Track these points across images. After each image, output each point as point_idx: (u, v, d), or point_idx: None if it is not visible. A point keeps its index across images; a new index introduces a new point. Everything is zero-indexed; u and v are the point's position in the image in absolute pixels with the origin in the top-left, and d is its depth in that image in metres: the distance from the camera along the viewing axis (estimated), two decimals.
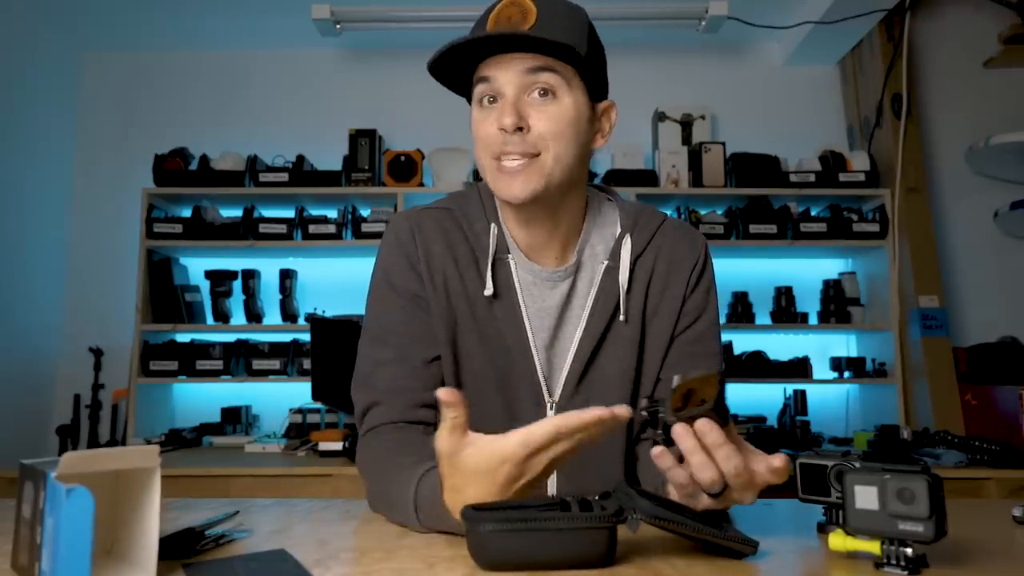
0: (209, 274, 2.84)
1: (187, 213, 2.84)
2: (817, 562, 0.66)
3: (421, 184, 2.81)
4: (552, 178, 0.87)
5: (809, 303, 2.84)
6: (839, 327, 2.80)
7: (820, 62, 3.12)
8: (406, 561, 0.64)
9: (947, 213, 3.00)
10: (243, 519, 0.81)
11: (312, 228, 2.76)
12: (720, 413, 0.65)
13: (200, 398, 2.91)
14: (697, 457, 0.66)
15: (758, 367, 2.71)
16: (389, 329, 0.94)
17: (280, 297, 2.83)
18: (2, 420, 2.67)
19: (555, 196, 0.90)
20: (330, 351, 2.45)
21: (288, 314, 2.82)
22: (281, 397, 2.82)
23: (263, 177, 2.79)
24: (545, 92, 0.86)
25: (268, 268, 2.90)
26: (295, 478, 2.15)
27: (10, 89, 2.79)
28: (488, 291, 0.93)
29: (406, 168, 2.81)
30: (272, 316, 2.88)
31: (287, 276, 2.85)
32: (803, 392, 2.68)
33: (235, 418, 2.74)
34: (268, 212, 2.91)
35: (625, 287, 0.95)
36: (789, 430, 2.64)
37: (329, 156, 2.91)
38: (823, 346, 2.92)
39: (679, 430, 0.66)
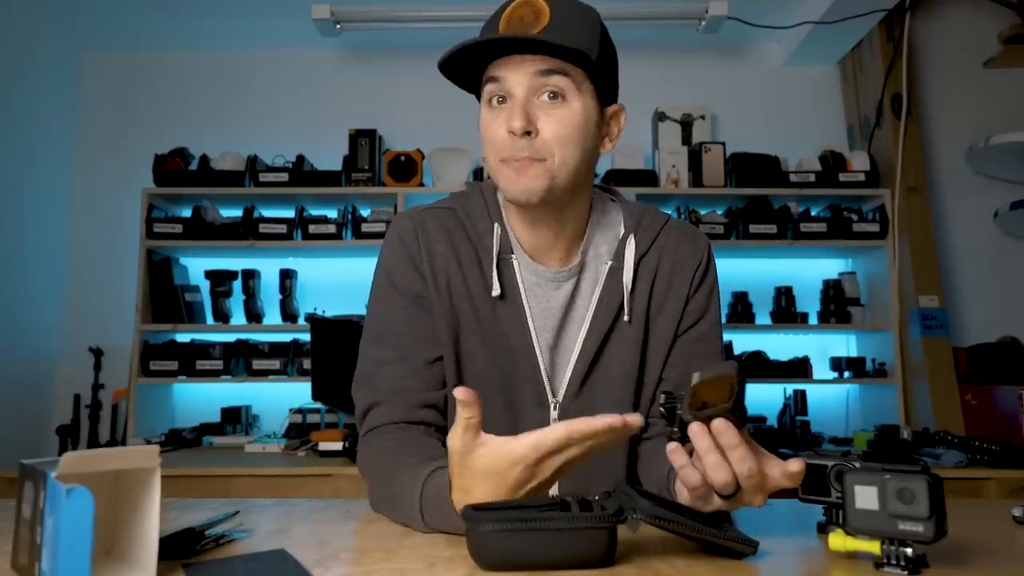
0: (209, 274, 2.84)
1: (187, 213, 2.84)
2: (817, 562, 0.66)
3: (421, 184, 2.81)
4: (557, 180, 0.87)
5: (809, 303, 2.84)
6: (839, 327, 2.80)
7: (820, 62, 3.12)
8: (406, 561, 0.64)
9: (947, 213, 3.00)
10: (243, 519, 0.81)
11: (312, 228, 2.76)
12: (738, 414, 0.65)
13: (200, 398, 2.91)
14: (712, 457, 0.66)
15: (758, 367, 2.71)
16: (391, 329, 0.94)
17: (280, 297, 2.83)
18: (2, 420, 2.67)
19: (561, 198, 0.90)
20: (330, 351, 2.45)
21: (288, 314, 2.82)
22: (281, 397, 2.82)
23: (263, 177, 2.79)
24: (555, 95, 0.86)
25: (268, 268, 2.90)
26: (295, 478, 2.15)
27: (10, 89, 2.79)
28: (495, 292, 0.93)
29: (406, 168, 2.81)
30: (272, 316, 2.88)
31: (287, 276, 2.85)
32: (803, 392, 2.68)
33: (235, 418, 2.74)
34: (268, 212, 2.91)
35: (629, 287, 0.95)
36: (789, 430, 2.64)
37: (329, 156, 2.91)
38: (823, 346, 2.92)
39: (695, 429, 0.66)
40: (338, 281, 2.97)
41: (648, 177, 2.82)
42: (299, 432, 2.68)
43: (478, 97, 0.93)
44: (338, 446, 2.30)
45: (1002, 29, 2.93)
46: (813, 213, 2.92)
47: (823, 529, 0.74)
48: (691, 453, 0.69)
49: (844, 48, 3.01)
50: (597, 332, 0.94)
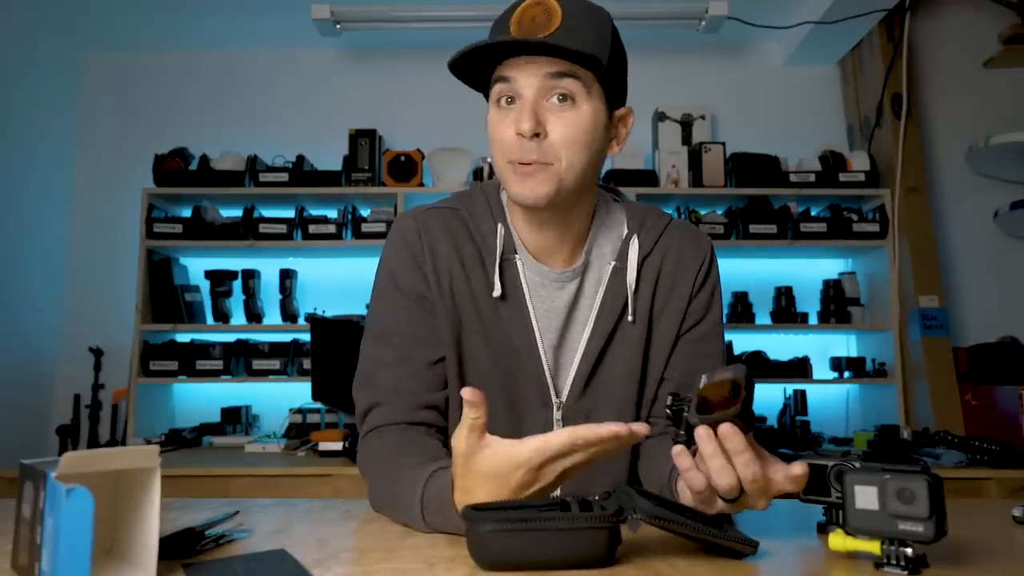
0: (209, 274, 2.84)
1: (187, 213, 2.84)
2: (817, 562, 0.66)
3: (421, 184, 2.81)
4: (565, 184, 0.87)
5: (809, 303, 2.84)
6: (839, 327, 2.80)
7: (820, 62, 3.12)
8: (406, 561, 0.64)
9: (947, 213, 3.00)
10: (243, 519, 0.81)
11: (312, 228, 2.76)
12: (745, 419, 0.65)
13: (200, 398, 2.91)
14: (717, 461, 0.66)
15: (758, 367, 2.71)
16: (393, 329, 0.94)
17: (280, 297, 2.83)
18: (2, 420, 2.67)
19: (567, 201, 0.90)
20: (330, 351, 2.45)
21: (288, 314, 2.82)
22: (281, 397, 2.82)
23: (263, 177, 2.79)
24: (564, 98, 0.85)
25: (268, 268, 2.90)
26: (295, 478, 2.15)
27: (10, 89, 2.79)
28: (496, 292, 0.93)
29: (406, 168, 2.81)
30: (272, 316, 2.88)
31: (287, 276, 2.85)
32: (803, 392, 2.68)
33: (235, 418, 2.74)
34: (268, 212, 2.91)
35: (633, 287, 0.95)
36: (789, 430, 2.64)
37: (329, 156, 2.91)
38: (823, 346, 2.92)
39: (702, 433, 0.66)
40: (338, 281, 2.97)
41: (648, 177, 2.82)
42: (299, 432, 2.68)
43: (485, 96, 0.93)
44: (338, 446, 2.30)
45: (1002, 29, 2.93)
46: (813, 213, 2.92)
47: (823, 529, 0.74)
48: (694, 454, 0.69)
49: (844, 48, 3.01)
50: (601, 332, 0.94)
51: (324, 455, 2.31)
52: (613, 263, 0.96)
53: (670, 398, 0.71)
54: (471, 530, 0.60)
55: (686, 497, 0.73)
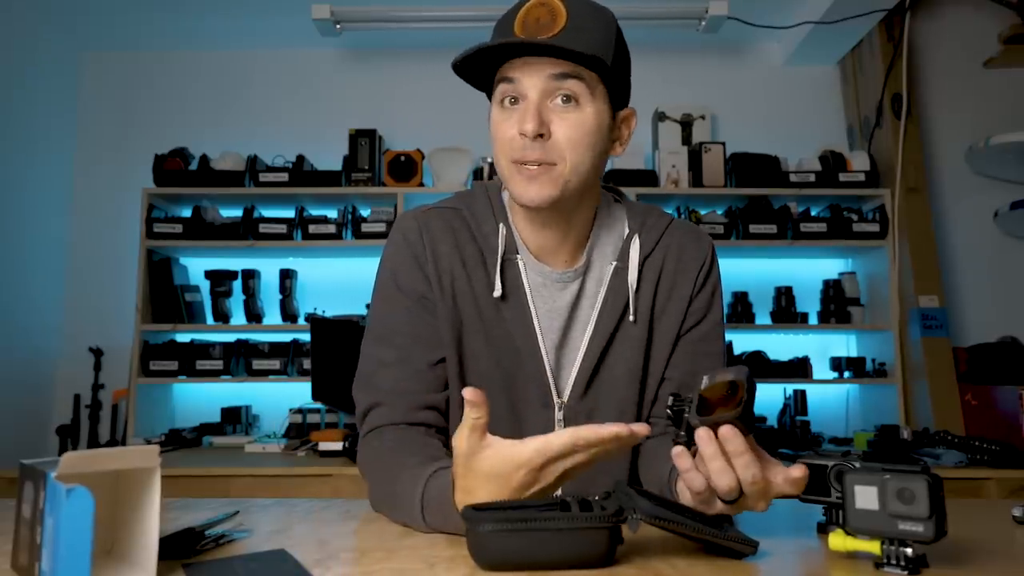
0: (209, 274, 2.84)
1: (187, 213, 2.84)
2: (817, 562, 0.66)
3: (421, 184, 2.81)
4: (568, 186, 0.87)
5: (809, 303, 2.84)
6: (839, 327, 2.80)
7: (820, 62, 3.12)
8: (406, 561, 0.64)
9: (947, 213, 3.00)
10: (243, 519, 0.81)
11: (312, 228, 2.76)
12: (746, 421, 0.65)
13: (200, 398, 2.91)
14: (717, 463, 0.66)
15: (758, 367, 2.71)
16: (394, 329, 0.94)
17: (280, 297, 2.83)
18: (2, 420, 2.67)
19: (570, 202, 0.90)
20: (330, 351, 2.45)
21: (288, 314, 2.82)
22: (281, 397, 2.82)
23: (263, 177, 2.79)
24: (568, 99, 0.85)
25: (268, 268, 2.90)
26: (295, 478, 2.15)
27: (10, 89, 2.79)
28: (497, 292, 0.93)
29: (406, 168, 2.81)
30: (272, 316, 2.88)
31: (287, 276, 2.85)
32: (803, 392, 2.68)
33: (235, 418, 2.74)
34: (268, 212, 2.91)
35: (634, 287, 0.95)
36: (789, 430, 2.64)
37: (329, 156, 2.91)
38: (823, 346, 2.92)
39: (702, 434, 0.66)
40: (338, 281, 2.97)
41: (648, 177, 2.82)
42: (299, 432, 2.68)
43: (488, 95, 0.92)
44: (338, 446, 2.30)
45: (1002, 29, 2.93)
46: (813, 213, 2.92)
47: (823, 529, 0.74)
48: (694, 454, 0.69)
49: (844, 48, 3.01)
50: (602, 332, 0.94)
51: (324, 455, 2.31)
52: (615, 263, 0.96)
53: (671, 398, 0.71)
54: (471, 530, 0.60)
55: (685, 498, 0.73)
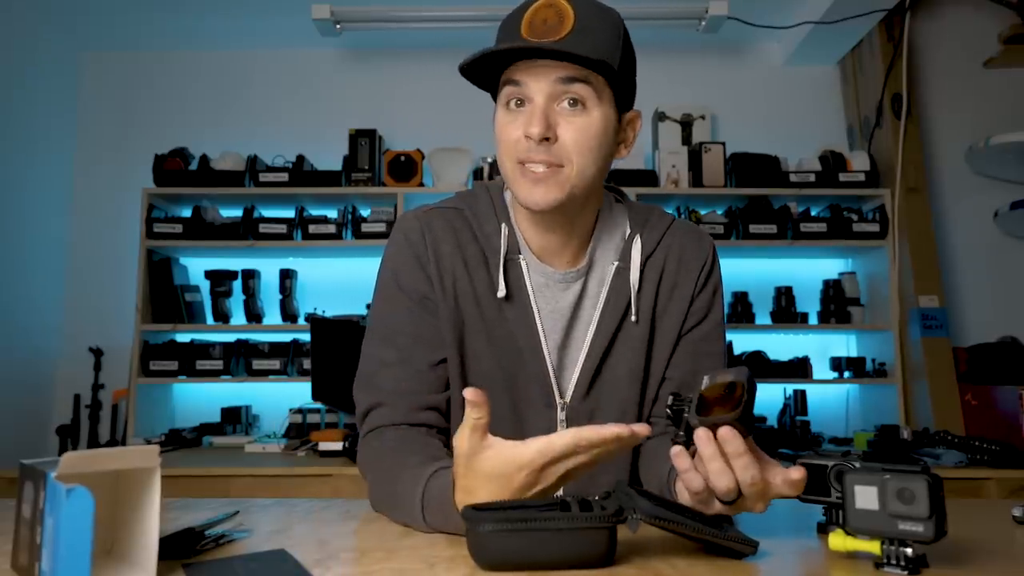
0: (209, 274, 2.84)
1: (187, 213, 2.84)
2: (817, 562, 0.66)
3: (421, 184, 2.81)
4: (575, 190, 0.87)
5: (809, 303, 2.84)
6: (839, 327, 2.80)
7: (820, 62, 3.12)
8: (406, 561, 0.64)
9: (947, 213, 3.00)
10: (243, 519, 0.81)
11: (312, 228, 2.76)
12: (746, 423, 0.65)
13: (200, 398, 2.91)
14: (716, 464, 0.66)
15: (758, 367, 2.71)
16: (396, 330, 0.94)
17: (280, 297, 2.83)
18: (2, 420, 2.67)
19: (575, 206, 0.90)
20: (330, 351, 2.45)
21: (288, 314, 2.82)
22: (281, 397, 2.82)
23: (263, 177, 2.79)
24: (575, 102, 0.85)
25: (268, 268, 2.90)
26: (295, 478, 2.15)
27: (10, 89, 2.79)
28: (501, 293, 0.92)
29: (406, 168, 2.81)
30: (272, 316, 2.88)
31: (287, 276, 2.85)
32: (803, 392, 2.68)
33: (235, 418, 2.74)
34: (268, 212, 2.91)
35: (636, 287, 0.95)
36: (789, 430, 2.64)
37: (329, 156, 2.91)
38: (823, 346, 2.92)
39: (701, 435, 0.66)
40: (338, 281, 2.97)
41: (648, 177, 2.82)
42: (299, 432, 2.68)
43: (493, 95, 0.92)
44: (338, 446, 2.30)
45: (1002, 29, 2.93)
46: (813, 213, 2.92)
47: (823, 529, 0.74)
48: (694, 455, 0.69)
49: (844, 48, 3.01)
50: (605, 332, 0.94)
51: (324, 455, 2.31)
52: (616, 263, 0.96)
53: (671, 398, 0.71)
54: (471, 530, 0.60)
55: (684, 498, 0.73)
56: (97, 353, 2.89)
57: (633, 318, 0.95)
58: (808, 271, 2.93)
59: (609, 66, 0.83)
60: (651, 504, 0.62)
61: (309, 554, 0.66)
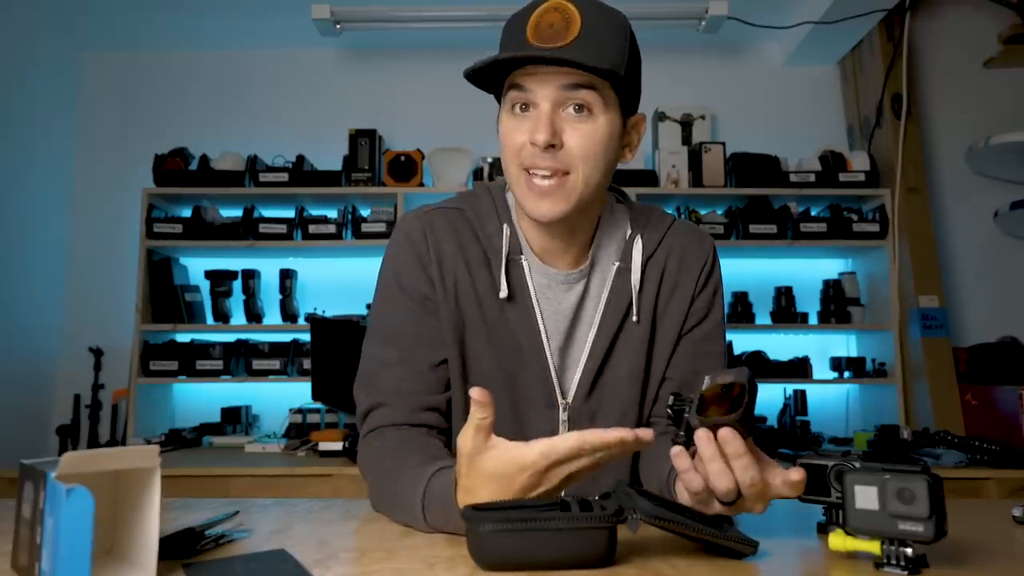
0: (209, 274, 2.84)
1: (187, 213, 2.84)
2: (817, 562, 0.66)
3: (421, 184, 2.81)
4: (582, 199, 0.87)
5: (809, 303, 2.84)
6: (839, 327, 2.80)
7: (820, 62, 3.12)
8: (406, 561, 0.64)
9: (947, 213, 3.00)
10: (243, 519, 0.81)
11: (312, 228, 2.76)
12: (746, 424, 0.65)
13: (200, 398, 2.91)
14: (716, 465, 0.66)
15: (758, 367, 2.71)
16: (397, 330, 0.94)
17: (280, 297, 2.83)
18: (2, 420, 2.67)
19: (580, 212, 0.90)
20: (330, 351, 2.45)
21: (288, 314, 2.82)
22: (281, 397, 2.82)
23: (263, 177, 2.79)
24: (581, 108, 0.84)
25: (268, 268, 2.90)
26: (295, 478, 2.15)
27: (10, 89, 2.79)
28: (503, 293, 0.92)
29: (406, 168, 2.81)
30: (272, 316, 2.88)
31: (287, 276, 2.85)
32: (803, 392, 2.68)
33: (235, 418, 2.74)
34: (268, 212, 2.91)
35: (637, 287, 0.95)
36: (789, 430, 2.64)
37: (329, 156, 2.91)
38: (823, 346, 2.92)
39: (701, 435, 0.66)
40: (338, 281, 2.97)
41: (648, 177, 2.82)
42: (299, 432, 2.68)
43: (496, 97, 0.92)
44: (338, 446, 2.30)
45: (1002, 29, 2.93)
46: (813, 213, 2.92)
47: (823, 529, 0.74)
48: (694, 455, 0.69)
49: (844, 48, 3.01)
50: (606, 333, 0.94)
51: (324, 455, 2.31)
52: (617, 263, 0.96)
53: (672, 398, 0.71)
54: (471, 530, 0.60)
55: (683, 498, 0.73)
56: (97, 353, 2.89)
57: (634, 318, 0.95)
58: (808, 271, 2.93)
59: (616, 74, 0.82)
60: (651, 504, 0.62)
61: (309, 554, 0.66)
